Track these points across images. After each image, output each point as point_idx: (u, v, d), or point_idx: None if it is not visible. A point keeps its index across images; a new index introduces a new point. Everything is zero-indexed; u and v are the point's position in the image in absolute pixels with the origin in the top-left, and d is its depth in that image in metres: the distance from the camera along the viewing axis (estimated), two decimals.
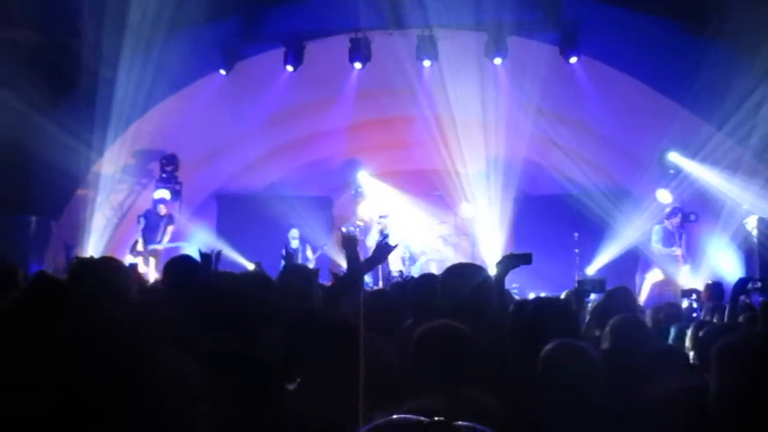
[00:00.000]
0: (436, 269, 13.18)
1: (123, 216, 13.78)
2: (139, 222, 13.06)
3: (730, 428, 2.40)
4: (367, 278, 10.65)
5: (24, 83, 10.40)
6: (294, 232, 13.65)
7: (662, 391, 2.97)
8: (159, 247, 12.54)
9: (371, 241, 12.57)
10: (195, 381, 2.42)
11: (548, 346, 2.95)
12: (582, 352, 2.95)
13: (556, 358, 2.90)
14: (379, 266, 12.94)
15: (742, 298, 5.29)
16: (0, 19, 10.85)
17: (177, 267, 4.49)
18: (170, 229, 12.80)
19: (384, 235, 11.66)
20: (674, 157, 12.03)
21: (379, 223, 13.44)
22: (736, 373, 2.27)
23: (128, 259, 12.69)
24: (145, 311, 3.70)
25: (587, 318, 4.90)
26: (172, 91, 12.02)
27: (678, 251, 11.63)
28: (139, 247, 12.57)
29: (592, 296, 5.96)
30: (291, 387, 2.94)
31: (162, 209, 12.82)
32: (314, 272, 4.91)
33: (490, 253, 13.35)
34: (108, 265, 3.89)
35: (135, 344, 2.64)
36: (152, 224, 12.74)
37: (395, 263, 13.18)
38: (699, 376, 3.23)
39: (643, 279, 12.21)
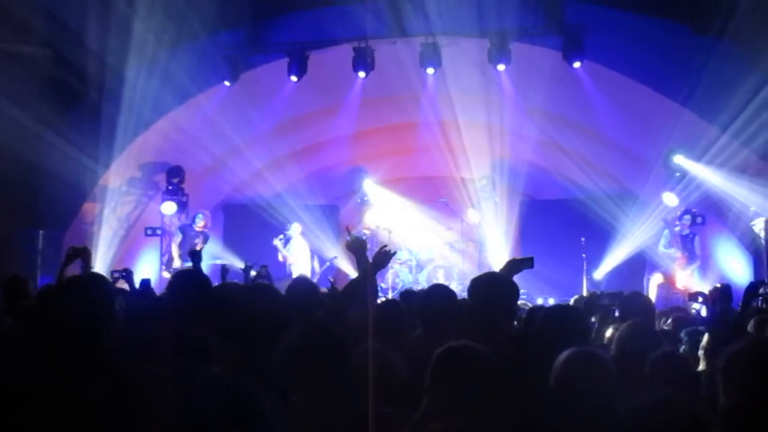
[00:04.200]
0: (443, 276, 13.18)
1: (130, 228, 13.82)
2: (175, 234, 13.06)
3: None
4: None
5: (31, 97, 10.47)
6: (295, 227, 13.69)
7: (641, 404, 2.92)
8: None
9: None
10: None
11: (563, 355, 2.91)
12: (599, 360, 2.92)
13: (573, 368, 2.86)
14: (390, 276, 13.03)
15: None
16: (7, 34, 10.92)
17: (183, 282, 4.46)
18: (203, 247, 12.64)
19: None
20: (680, 159, 11.99)
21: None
22: (742, 386, 2.22)
23: (165, 275, 12.74)
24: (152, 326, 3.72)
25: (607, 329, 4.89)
26: (177, 102, 12.08)
27: (677, 253, 11.62)
28: (176, 263, 12.46)
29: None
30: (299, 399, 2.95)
31: (200, 224, 12.61)
32: (316, 285, 4.97)
33: (497, 259, 13.34)
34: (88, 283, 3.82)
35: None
36: (188, 239, 12.58)
37: (403, 272, 13.20)
38: (690, 388, 3.18)
39: (648, 281, 12.19)
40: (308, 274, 12.85)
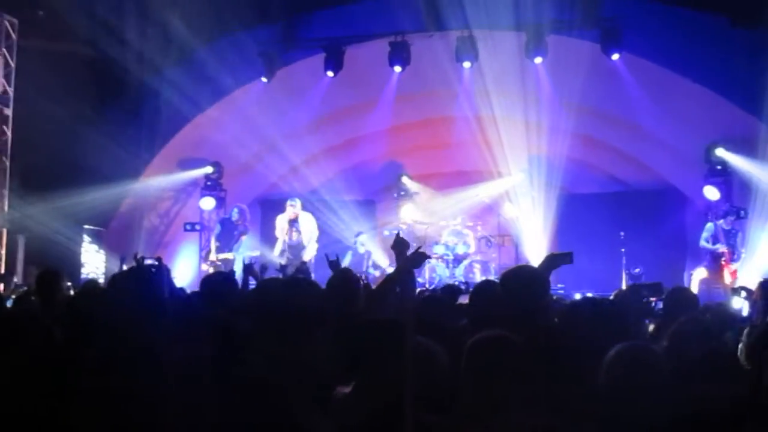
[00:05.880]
0: (479, 271, 13.13)
1: (170, 224, 14.01)
2: (214, 227, 13.12)
3: None
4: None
5: (72, 95, 10.66)
6: (362, 238, 13.37)
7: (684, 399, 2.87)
8: (230, 255, 12.33)
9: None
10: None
11: (615, 349, 2.88)
12: (652, 356, 2.88)
13: (626, 363, 2.83)
14: (426, 271, 12.99)
15: None
16: (49, 34, 11.13)
17: (212, 283, 4.70)
18: (243, 238, 12.57)
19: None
20: (721, 152, 11.81)
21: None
22: None
23: (203, 268, 12.86)
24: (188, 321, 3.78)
25: (649, 324, 4.83)
26: (215, 99, 12.22)
27: (722, 248, 11.35)
28: (212, 255, 12.50)
29: None
30: (342, 391, 2.97)
31: (236, 217, 12.51)
32: (357, 277, 4.94)
33: (534, 254, 13.26)
34: None
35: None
36: (227, 232, 12.55)
37: (439, 266, 13.16)
38: (735, 384, 3.13)
39: (690, 277, 12.01)
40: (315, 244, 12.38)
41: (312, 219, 12.46)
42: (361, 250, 13.27)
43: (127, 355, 2.80)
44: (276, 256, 11.89)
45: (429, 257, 4.39)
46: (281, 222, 12.24)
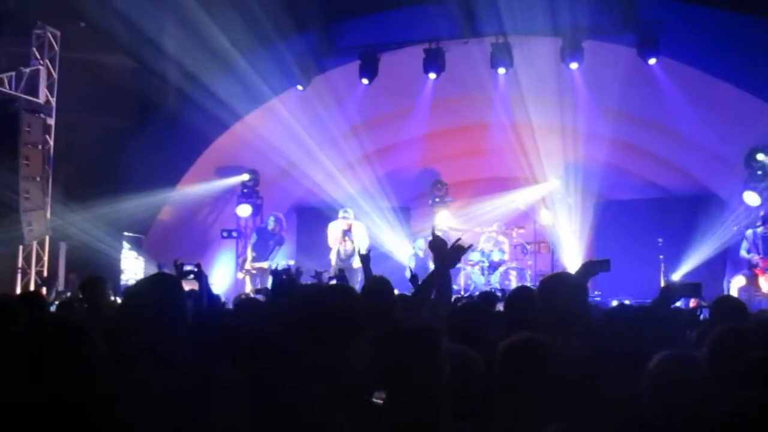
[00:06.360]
0: (515, 278, 13.05)
1: (207, 231, 14.16)
2: (250, 236, 13.26)
3: None
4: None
5: (113, 105, 10.87)
6: (420, 243, 13.19)
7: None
8: (264, 265, 12.43)
9: None
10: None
11: (658, 357, 2.86)
12: (695, 364, 2.85)
13: (669, 371, 2.80)
14: (462, 278, 12.94)
15: None
16: (91, 45, 11.35)
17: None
18: (277, 249, 12.68)
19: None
20: (762, 157, 11.61)
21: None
22: None
23: (239, 276, 12.98)
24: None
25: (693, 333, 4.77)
26: (252, 107, 12.34)
27: (756, 258, 11.14)
28: (248, 264, 12.64)
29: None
30: (378, 398, 2.97)
31: (272, 225, 12.65)
32: (391, 285, 4.93)
33: (571, 261, 13.16)
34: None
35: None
36: (263, 241, 12.67)
37: (475, 273, 13.11)
38: None
39: (729, 284, 11.82)
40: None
41: (364, 228, 12.63)
42: (421, 254, 13.08)
43: (155, 361, 2.84)
44: (335, 265, 12.04)
45: (467, 248, 4.32)
46: (334, 231, 12.41)
